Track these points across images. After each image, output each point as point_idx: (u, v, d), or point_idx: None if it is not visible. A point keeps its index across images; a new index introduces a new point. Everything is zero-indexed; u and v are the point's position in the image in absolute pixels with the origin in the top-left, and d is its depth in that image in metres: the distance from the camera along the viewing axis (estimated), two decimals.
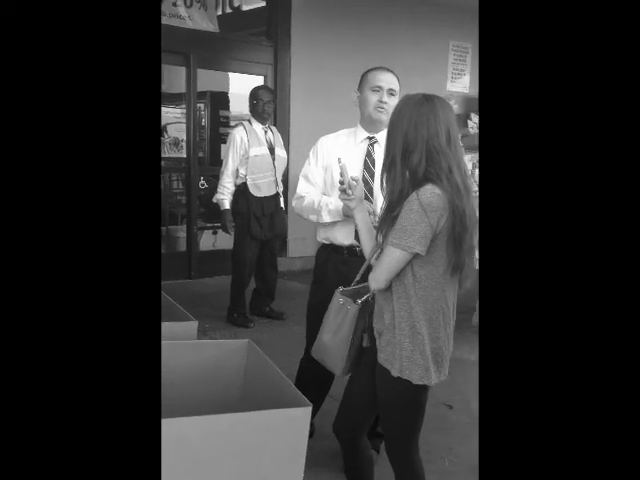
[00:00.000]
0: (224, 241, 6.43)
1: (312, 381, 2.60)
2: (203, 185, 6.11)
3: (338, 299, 1.94)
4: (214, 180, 6.58)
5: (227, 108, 6.93)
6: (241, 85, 6.85)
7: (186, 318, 1.95)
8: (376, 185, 2.41)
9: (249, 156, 4.30)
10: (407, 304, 1.73)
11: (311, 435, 2.75)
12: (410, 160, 1.70)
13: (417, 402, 1.84)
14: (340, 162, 2.01)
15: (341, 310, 1.91)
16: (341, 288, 1.99)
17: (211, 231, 6.36)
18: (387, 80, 2.47)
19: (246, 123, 4.43)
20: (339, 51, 6.28)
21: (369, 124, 2.51)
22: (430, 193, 1.65)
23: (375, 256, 1.84)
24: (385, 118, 2.46)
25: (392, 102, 2.46)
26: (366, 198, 2.39)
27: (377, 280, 1.75)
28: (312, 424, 2.74)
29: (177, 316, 2.00)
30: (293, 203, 2.59)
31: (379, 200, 2.42)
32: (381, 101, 2.45)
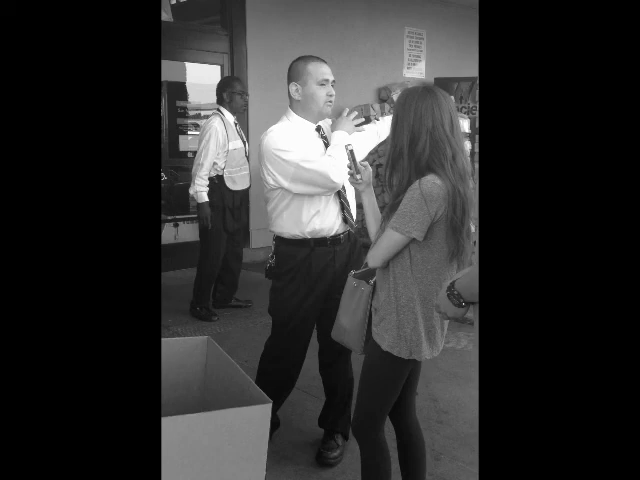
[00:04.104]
0: (186, 234, 6.38)
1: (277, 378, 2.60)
2: (162, 177, 6.04)
3: (352, 282, 2.03)
4: (174, 172, 6.51)
5: (185, 98, 6.83)
6: (198, 75, 6.77)
7: None
8: None
9: (228, 149, 4.23)
10: (403, 284, 1.83)
11: (276, 427, 2.76)
12: (415, 150, 1.79)
13: (398, 376, 1.92)
14: (348, 148, 2.04)
15: (356, 292, 2.00)
16: (353, 272, 2.07)
17: (172, 223, 6.29)
18: (329, 72, 2.48)
19: (220, 115, 4.30)
20: (295, 39, 6.25)
21: (317, 116, 2.49)
22: (431, 184, 1.75)
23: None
24: (331, 111, 2.50)
25: (334, 92, 2.49)
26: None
27: (375, 258, 1.86)
28: (276, 415, 2.75)
29: None
30: (336, 175, 2.30)
31: (346, 184, 2.42)
32: (330, 94, 2.45)
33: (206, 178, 4.23)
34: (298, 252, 2.48)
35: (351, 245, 2.55)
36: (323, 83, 2.43)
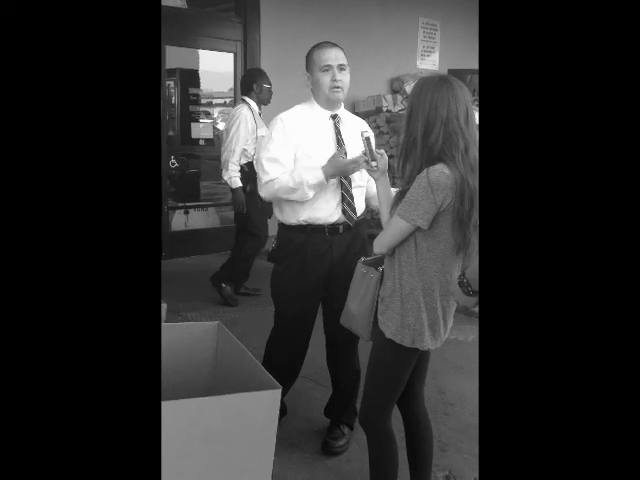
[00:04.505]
0: (197, 221, 6.40)
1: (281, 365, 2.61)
2: (174, 164, 6.05)
3: (361, 269, 2.04)
4: (185, 159, 6.52)
5: (197, 86, 6.83)
6: (211, 62, 6.77)
7: None
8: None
9: (257, 136, 4.28)
10: (407, 272, 1.84)
11: (283, 414, 2.78)
12: (428, 140, 1.78)
13: (403, 365, 1.93)
14: (364, 135, 2.02)
15: (364, 278, 2.01)
16: (363, 258, 2.07)
17: (183, 211, 6.31)
18: (334, 57, 2.40)
19: (247, 104, 4.37)
20: (308, 28, 6.22)
21: (327, 104, 2.47)
22: (439, 172, 1.75)
23: None
24: (342, 96, 2.44)
25: (345, 77, 2.42)
26: (344, 175, 2.41)
27: (380, 244, 1.88)
28: (284, 403, 2.76)
29: None
30: (262, 190, 2.47)
31: (355, 176, 2.43)
32: (334, 80, 2.39)
33: (238, 164, 4.29)
34: (296, 238, 2.50)
35: (352, 236, 2.52)
36: (326, 69, 2.39)
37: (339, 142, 2.45)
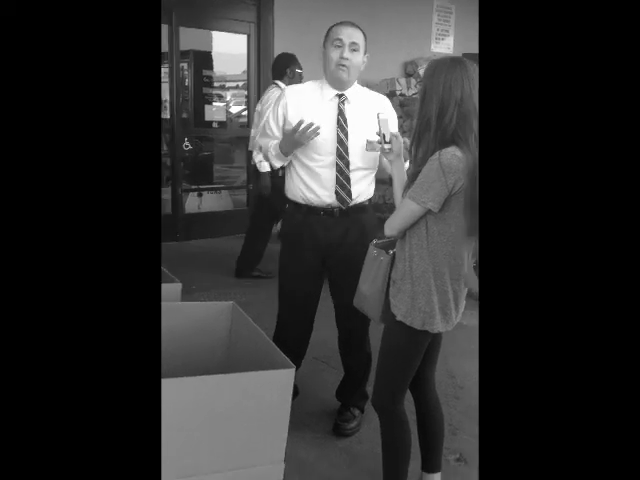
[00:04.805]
0: (210, 203, 6.42)
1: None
2: (187, 147, 6.06)
3: (373, 251, 2.04)
4: (198, 142, 6.53)
5: (210, 68, 6.81)
6: (224, 44, 6.74)
7: (170, 280, 1.96)
8: (351, 143, 2.40)
9: None
10: (418, 255, 1.84)
11: (295, 395, 2.80)
12: (442, 121, 1.77)
13: (415, 348, 1.93)
14: (380, 116, 2.01)
15: (376, 261, 2.01)
16: (375, 240, 2.07)
17: (196, 193, 6.32)
18: (349, 34, 2.35)
19: (279, 88, 4.36)
20: (322, 11, 6.16)
21: (332, 82, 2.43)
22: (451, 155, 1.74)
23: None
24: (346, 77, 2.38)
25: (355, 58, 2.36)
26: (341, 157, 2.40)
27: (391, 227, 1.88)
28: (296, 385, 2.78)
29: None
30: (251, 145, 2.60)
31: (354, 158, 2.40)
32: (342, 57, 2.34)
33: None
34: (293, 217, 2.54)
35: (350, 222, 2.47)
36: (337, 44, 2.35)
37: (339, 123, 2.41)
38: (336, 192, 2.42)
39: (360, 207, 2.50)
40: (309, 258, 2.51)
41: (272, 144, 2.47)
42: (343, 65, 2.35)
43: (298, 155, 2.45)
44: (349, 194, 2.43)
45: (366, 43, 2.43)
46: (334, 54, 2.36)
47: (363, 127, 2.39)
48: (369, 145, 2.35)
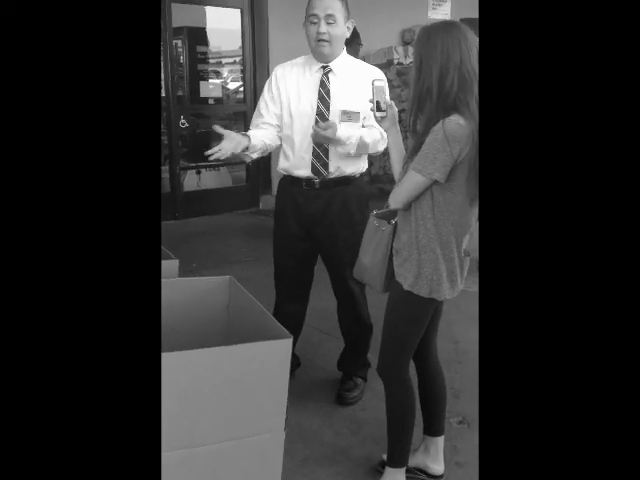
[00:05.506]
0: (208, 181, 6.41)
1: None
2: (184, 124, 6.03)
3: (373, 222, 2.03)
4: (195, 119, 6.49)
5: (205, 44, 6.75)
6: (218, 20, 6.66)
7: (167, 257, 1.97)
8: (332, 116, 2.39)
9: None
10: (424, 225, 1.83)
11: (297, 367, 2.84)
12: (444, 87, 1.74)
13: (421, 316, 1.95)
14: (374, 84, 2.00)
15: (377, 232, 2.00)
16: (375, 211, 2.06)
17: (194, 171, 6.31)
18: (324, 7, 2.30)
19: None
20: None
21: (316, 56, 2.43)
22: (455, 124, 1.71)
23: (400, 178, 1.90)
24: (328, 51, 2.37)
25: (333, 30, 2.33)
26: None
27: (396, 200, 1.86)
28: (296, 356, 2.82)
29: None
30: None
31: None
32: (319, 32, 2.32)
33: None
34: (281, 186, 2.61)
35: (332, 195, 2.47)
36: (313, 20, 2.33)
37: (320, 94, 2.41)
38: (312, 164, 2.44)
39: (343, 179, 2.49)
40: (292, 226, 2.55)
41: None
42: (322, 40, 2.34)
43: (283, 127, 2.49)
44: (325, 166, 2.44)
45: (346, 9, 2.38)
46: (311, 30, 2.35)
47: (347, 99, 2.39)
48: (344, 115, 2.37)
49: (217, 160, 2.31)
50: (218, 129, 2.32)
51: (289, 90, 2.45)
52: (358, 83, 2.39)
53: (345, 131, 2.33)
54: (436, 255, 1.84)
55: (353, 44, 4.44)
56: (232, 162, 6.72)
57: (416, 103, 1.82)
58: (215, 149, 2.27)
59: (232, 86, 7.97)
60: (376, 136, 2.42)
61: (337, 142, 2.32)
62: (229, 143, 2.31)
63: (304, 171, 2.46)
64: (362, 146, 2.39)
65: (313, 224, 2.52)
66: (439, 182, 1.77)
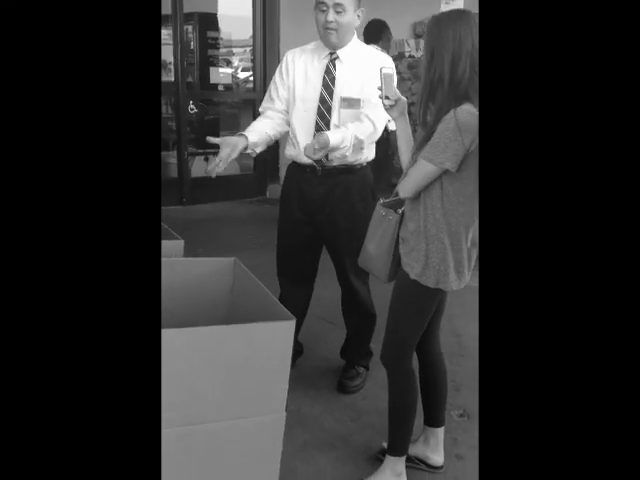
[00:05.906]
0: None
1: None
2: (192, 110, 6.02)
3: (380, 210, 2.01)
4: (204, 105, 6.48)
5: (216, 29, 6.73)
6: (230, 6, 6.65)
7: (172, 237, 1.96)
8: (335, 104, 2.38)
9: None
10: (432, 215, 1.82)
11: (299, 354, 2.83)
12: (456, 74, 1.73)
13: (426, 306, 1.94)
14: (382, 71, 1.97)
15: (383, 220, 1.98)
16: (382, 200, 2.03)
17: (202, 157, 6.30)
18: None
19: None
20: None
21: (325, 43, 2.42)
22: (467, 113, 1.70)
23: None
24: (335, 39, 2.36)
25: (342, 19, 2.31)
26: (322, 116, 2.39)
27: (405, 189, 1.85)
28: (300, 343, 2.81)
29: (163, 236, 2.00)
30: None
31: (338, 118, 2.38)
32: (327, 20, 2.31)
33: None
34: (287, 174, 2.62)
35: (334, 182, 2.46)
36: (322, 8, 2.32)
37: (324, 81, 2.40)
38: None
39: (347, 168, 2.46)
40: (295, 211, 2.55)
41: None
42: (329, 28, 2.33)
43: (291, 113, 2.48)
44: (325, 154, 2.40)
45: None
46: (320, 18, 2.34)
47: (352, 86, 2.38)
48: (343, 102, 2.35)
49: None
50: (212, 140, 2.29)
51: (297, 75, 2.45)
52: (365, 71, 2.37)
53: (336, 136, 2.26)
54: (444, 245, 1.82)
55: (384, 38, 4.50)
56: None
57: (427, 92, 1.79)
58: (213, 165, 2.26)
59: (242, 75, 7.96)
60: (368, 129, 2.37)
61: (332, 150, 2.29)
62: (226, 149, 2.29)
63: (303, 157, 2.43)
64: (357, 144, 2.37)
65: (315, 210, 2.52)
66: (449, 172, 1.76)
